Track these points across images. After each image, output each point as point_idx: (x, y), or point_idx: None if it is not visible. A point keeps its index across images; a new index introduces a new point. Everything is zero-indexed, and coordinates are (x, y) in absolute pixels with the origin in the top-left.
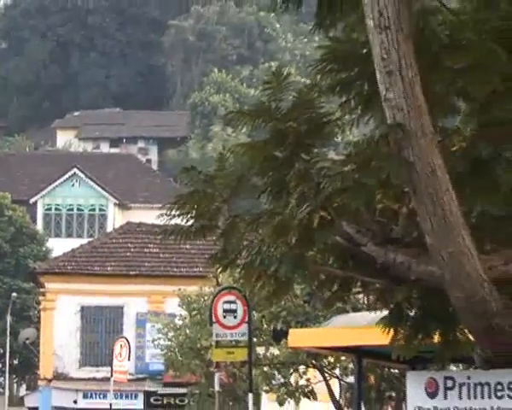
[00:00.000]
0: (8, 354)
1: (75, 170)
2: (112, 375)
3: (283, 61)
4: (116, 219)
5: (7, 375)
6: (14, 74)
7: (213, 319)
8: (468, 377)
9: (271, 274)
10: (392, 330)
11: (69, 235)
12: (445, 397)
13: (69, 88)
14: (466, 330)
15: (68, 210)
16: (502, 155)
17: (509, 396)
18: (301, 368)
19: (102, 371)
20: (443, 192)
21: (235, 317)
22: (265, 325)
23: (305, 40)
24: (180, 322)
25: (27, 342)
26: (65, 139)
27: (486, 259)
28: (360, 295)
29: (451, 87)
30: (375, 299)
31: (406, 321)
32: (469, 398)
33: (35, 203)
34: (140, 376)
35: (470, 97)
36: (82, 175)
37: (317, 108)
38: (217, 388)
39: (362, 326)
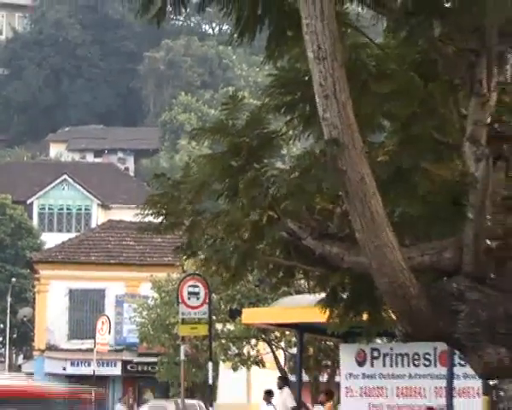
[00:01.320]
0: (8, 329)
1: (65, 176)
2: (95, 346)
3: (238, 87)
4: (99, 217)
5: (7, 347)
6: (15, 96)
7: (180, 300)
8: (391, 349)
9: (227, 264)
10: (328, 310)
11: (60, 230)
12: (372, 365)
13: (60, 108)
14: (389, 310)
15: (59, 209)
16: (419, 165)
17: (424, 364)
18: (252, 341)
19: (87, 344)
20: (370, 196)
21: (197, 298)
22: (223, 306)
23: (257, 69)
24: (152, 303)
25: (24, 319)
26: (56, 150)
27: (406, 251)
28: (302, 281)
29: (378, 109)
30: (314, 284)
31: (340, 302)
32: (391, 366)
33: (31, 203)
34: (118, 347)
35: (393, 117)
36: (71, 180)
37: (266, 125)
38: (182, 357)
39: (303, 306)
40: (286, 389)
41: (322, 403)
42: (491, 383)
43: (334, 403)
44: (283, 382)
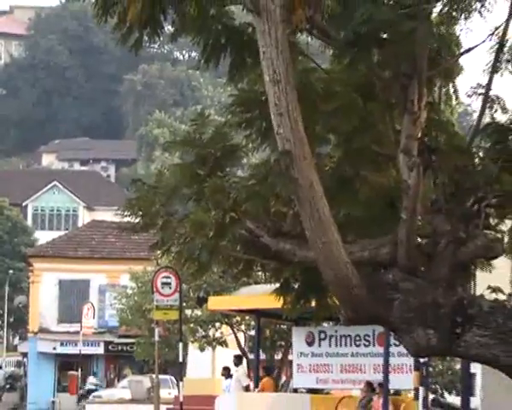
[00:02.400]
0: (6, 315)
1: (55, 182)
2: (81, 329)
3: (205, 105)
4: (84, 217)
5: (5, 329)
6: (11, 112)
7: (154, 290)
8: (336, 331)
9: (195, 258)
10: (282, 298)
11: (51, 228)
12: (320, 345)
13: (51, 123)
14: (334, 298)
15: (50, 211)
16: (360, 173)
17: (364, 344)
18: (217, 325)
19: (74, 327)
20: (318, 200)
21: (169, 288)
22: (191, 294)
23: (221, 90)
24: (130, 292)
25: (20, 305)
26: (48, 160)
27: (348, 247)
28: (259, 273)
29: (324, 125)
30: (269, 275)
31: (292, 291)
32: (336, 346)
33: (26, 206)
34: (101, 330)
35: (338, 132)
36: (60, 186)
37: (228, 139)
38: (156, 338)
39: (260, 295)
40: (241, 368)
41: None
42: (421, 360)
43: (273, 378)
44: (238, 360)
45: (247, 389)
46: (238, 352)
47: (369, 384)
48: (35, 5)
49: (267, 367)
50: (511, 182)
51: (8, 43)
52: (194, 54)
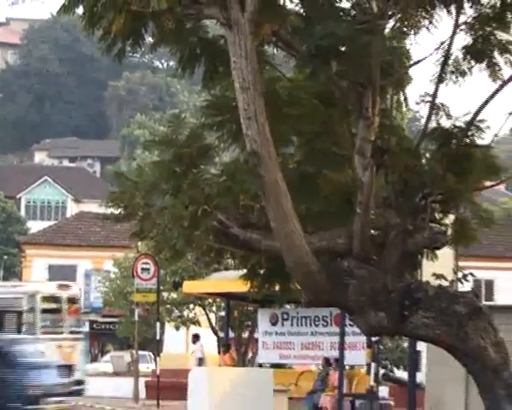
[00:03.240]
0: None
1: (46, 177)
2: None
3: (182, 109)
4: (72, 209)
5: None
6: (7, 114)
7: (135, 274)
8: (297, 312)
9: (171, 246)
10: (249, 282)
11: (42, 219)
12: (283, 325)
13: (43, 124)
14: (296, 283)
15: (41, 203)
16: (320, 172)
17: (322, 324)
18: (191, 306)
19: None
20: (282, 195)
21: (148, 273)
22: (168, 278)
23: (196, 96)
24: (113, 276)
25: None
26: (39, 157)
27: (309, 237)
28: (229, 260)
29: (288, 128)
30: (238, 262)
31: (258, 276)
32: (297, 325)
33: (19, 198)
34: (87, 310)
35: (301, 135)
36: (51, 180)
37: (202, 139)
38: (136, 318)
39: (230, 279)
40: (198, 345)
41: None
42: (373, 339)
43: (232, 355)
44: (196, 338)
45: (200, 360)
46: (210, 331)
47: (326, 360)
48: (29, 18)
49: (227, 344)
50: (454, 181)
51: (5, 51)
52: (172, 63)
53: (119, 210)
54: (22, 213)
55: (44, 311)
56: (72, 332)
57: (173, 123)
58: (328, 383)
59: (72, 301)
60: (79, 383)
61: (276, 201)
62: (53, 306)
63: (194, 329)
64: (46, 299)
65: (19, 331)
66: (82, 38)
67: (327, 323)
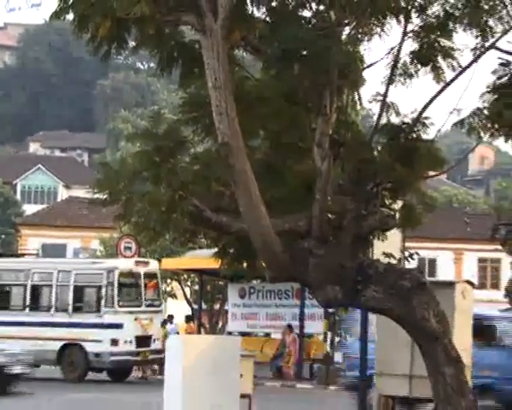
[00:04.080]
0: None
1: (39, 165)
2: None
3: (161, 106)
4: (63, 194)
5: None
6: (5, 110)
7: (118, 252)
8: (263, 287)
9: (151, 228)
10: (220, 260)
11: (35, 203)
12: (250, 298)
13: (38, 118)
14: (261, 261)
15: (35, 188)
16: (285, 162)
17: (285, 298)
18: (168, 281)
19: None
20: (250, 183)
21: (130, 251)
22: (148, 256)
23: (174, 94)
24: (99, 254)
25: None
26: (34, 148)
27: (274, 221)
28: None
29: (256, 123)
30: (211, 242)
31: (228, 255)
32: (263, 298)
33: (16, 184)
34: None
35: (267, 129)
36: (44, 168)
37: (179, 133)
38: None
39: (203, 257)
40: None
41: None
42: (329, 310)
43: (190, 325)
44: (169, 319)
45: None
46: (185, 303)
47: (289, 326)
48: (25, 23)
49: (188, 316)
50: (402, 171)
51: (2, 53)
52: (152, 64)
53: (104, 195)
54: (18, 197)
55: (122, 285)
56: (149, 305)
57: (153, 118)
58: (289, 348)
59: (150, 276)
60: (158, 352)
61: (245, 188)
62: (131, 281)
63: (171, 301)
64: (124, 274)
65: (98, 305)
66: (72, 42)
67: (289, 296)
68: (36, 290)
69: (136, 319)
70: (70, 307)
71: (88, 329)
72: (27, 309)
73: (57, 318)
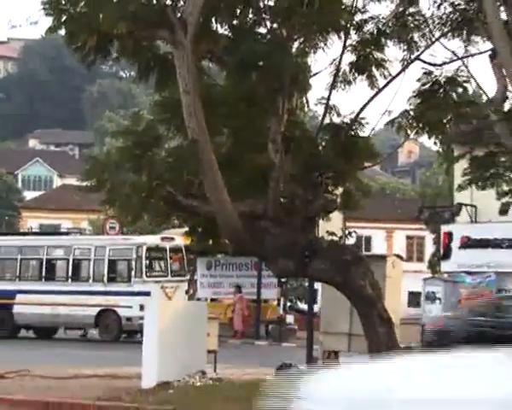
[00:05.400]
0: None
1: (37, 158)
2: None
3: (141, 108)
4: (58, 182)
5: None
6: (8, 110)
7: (104, 231)
8: (226, 260)
9: (132, 210)
10: (190, 237)
11: (34, 190)
12: (215, 269)
13: (35, 118)
14: (225, 238)
15: (34, 178)
16: (244, 155)
17: (245, 269)
18: None
19: None
20: (215, 172)
21: (114, 230)
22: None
23: (151, 98)
24: (88, 232)
25: None
26: (32, 143)
27: (235, 204)
28: (175, 221)
29: (220, 122)
30: (182, 222)
31: (197, 233)
32: (227, 270)
33: (17, 174)
34: None
35: (230, 127)
36: (41, 161)
37: (155, 130)
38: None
39: (176, 235)
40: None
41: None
42: (282, 280)
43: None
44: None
45: None
46: None
47: (237, 287)
48: (25, 38)
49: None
50: (342, 163)
51: (6, 63)
52: (133, 73)
53: (92, 183)
54: (19, 185)
55: (150, 259)
56: (174, 275)
57: (133, 118)
58: (234, 305)
59: (175, 250)
60: None
61: (211, 177)
62: (157, 255)
63: None
64: (151, 249)
65: (129, 276)
66: (65, 53)
67: (248, 268)
68: (77, 264)
69: (162, 288)
70: (105, 278)
71: (120, 296)
72: (69, 280)
73: (94, 287)
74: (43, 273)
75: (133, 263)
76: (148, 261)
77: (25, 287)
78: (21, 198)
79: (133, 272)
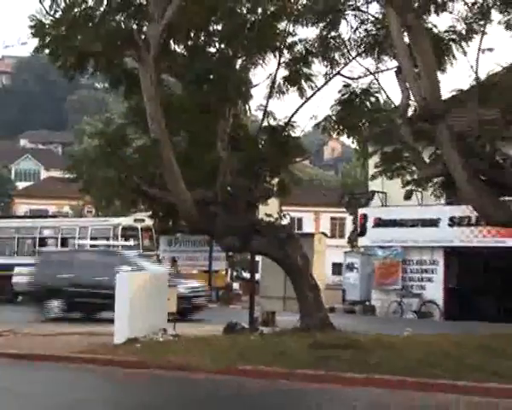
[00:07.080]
0: None
1: (28, 155)
2: None
3: (113, 113)
4: (44, 175)
5: None
6: (3, 117)
7: (82, 215)
8: (184, 238)
9: (105, 198)
10: (154, 220)
11: (25, 181)
12: (175, 246)
13: (25, 123)
14: (182, 220)
15: (24, 171)
16: (198, 153)
17: (199, 245)
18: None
19: None
20: (174, 167)
21: (91, 214)
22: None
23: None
24: (69, 216)
25: None
26: (23, 142)
27: (191, 193)
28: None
29: (178, 125)
30: (147, 207)
31: (159, 216)
32: (184, 246)
33: (11, 168)
34: None
35: (186, 130)
36: (30, 157)
37: (124, 131)
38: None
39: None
40: None
41: None
42: (230, 253)
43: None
44: None
45: None
46: None
47: (173, 258)
48: (17, 55)
49: None
50: (278, 158)
51: (1, 77)
52: (106, 84)
53: (73, 175)
54: (12, 177)
55: (125, 236)
56: (145, 250)
57: (106, 122)
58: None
59: (146, 229)
60: None
61: (170, 170)
62: (131, 233)
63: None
64: (126, 228)
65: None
66: (51, 68)
67: (201, 244)
68: (64, 241)
69: None
70: None
71: None
72: None
73: None
74: (37, 249)
75: (111, 240)
76: (123, 239)
77: (21, 261)
78: (14, 187)
79: (110, 248)
